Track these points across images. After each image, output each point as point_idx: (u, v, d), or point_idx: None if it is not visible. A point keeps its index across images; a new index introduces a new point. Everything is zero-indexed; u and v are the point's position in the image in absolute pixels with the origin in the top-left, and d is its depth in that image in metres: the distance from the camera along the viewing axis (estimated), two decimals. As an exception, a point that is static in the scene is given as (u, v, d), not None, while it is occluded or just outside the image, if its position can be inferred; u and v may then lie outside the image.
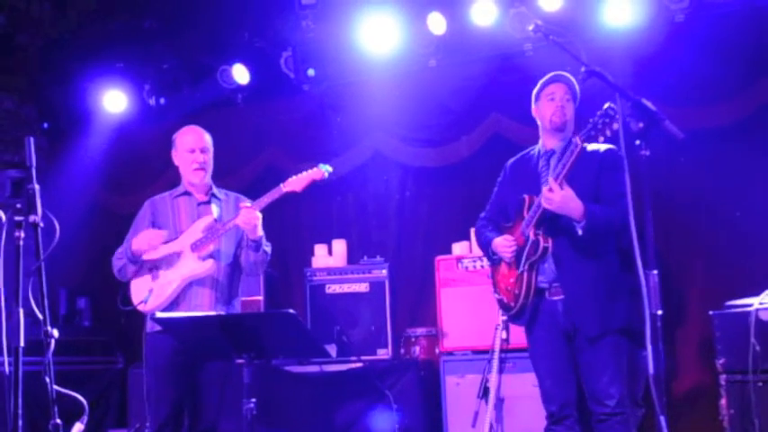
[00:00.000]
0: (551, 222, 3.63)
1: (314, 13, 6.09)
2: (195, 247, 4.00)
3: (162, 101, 6.64)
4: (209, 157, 4.23)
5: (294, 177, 4.06)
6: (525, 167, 3.91)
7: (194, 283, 4.01)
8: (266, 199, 4.00)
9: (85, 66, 6.78)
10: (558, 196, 3.48)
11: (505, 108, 5.84)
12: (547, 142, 3.85)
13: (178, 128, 6.54)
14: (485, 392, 4.68)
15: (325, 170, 4.10)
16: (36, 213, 3.02)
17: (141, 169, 6.76)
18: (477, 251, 5.46)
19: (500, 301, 3.88)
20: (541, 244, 3.61)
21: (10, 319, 3.05)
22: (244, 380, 3.51)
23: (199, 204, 4.18)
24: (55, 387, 2.92)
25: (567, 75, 3.81)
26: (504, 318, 4.73)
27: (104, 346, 6.53)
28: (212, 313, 3.85)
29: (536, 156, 3.89)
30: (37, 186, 3.05)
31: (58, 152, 7.01)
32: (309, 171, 4.08)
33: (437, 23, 5.86)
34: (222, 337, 3.48)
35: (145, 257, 4.06)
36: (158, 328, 3.96)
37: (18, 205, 3.06)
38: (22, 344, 2.94)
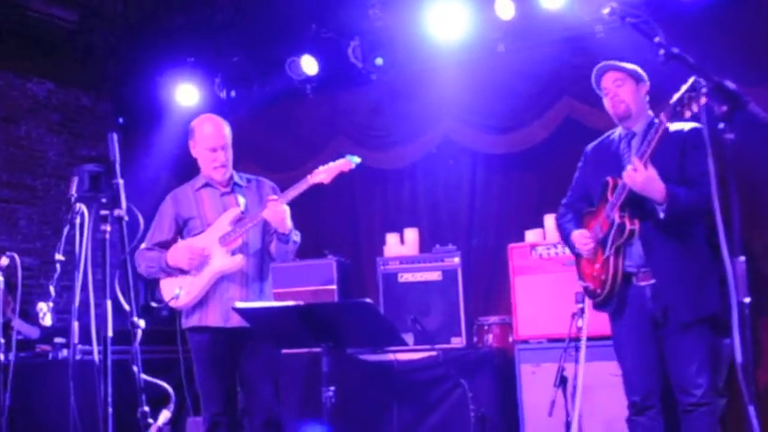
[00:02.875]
0: (637, 204, 3.52)
1: (381, 2, 6.07)
2: (224, 240, 3.94)
3: (233, 93, 6.71)
4: (230, 152, 4.09)
5: (322, 168, 3.97)
6: (606, 151, 3.82)
7: (224, 277, 3.96)
8: (293, 192, 3.90)
9: (158, 60, 6.90)
10: (642, 176, 3.38)
11: (577, 91, 5.73)
12: (626, 125, 3.76)
13: (249, 120, 6.67)
14: (561, 381, 4.60)
15: (352, 161, 3.99)
16: (120, 207, 3.08)
17: (213, 162, 6.85)
18: (551, 238, 5.40)
19: (586, 289, 3.80)
20: (627, 227, 3.52)
21: (98, 308, 3.13)
22: (323, 369, 3.50)
23: (222, 195, 4.09)
24: (142, 376, 2.98)
25: (612, 62, 3.71)
26: (581, 306, 4.68)
27: (182, 335, 6.65)
28: (291, 303, 3.87)
29: (617, 139, 3.80)
30: (121, 181, 3.10)
31: (133, 146, 7.15)
32: (337, 162, 3.98)
33: (505, 8, 5.77)
34: (300, 326, 3.50)
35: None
36: (194, 323, 4.00)
37: (103, 199, 3.11)
38: (110, 334, 3.02)
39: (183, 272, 4.01)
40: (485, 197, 6.31)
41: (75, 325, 3.56)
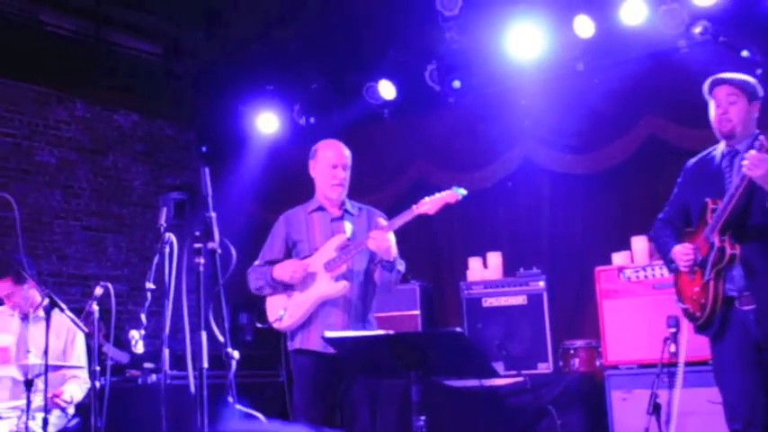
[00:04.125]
0: (739, 227, 3.40)
1: (457, 25, 6.07)
2: (329, 266, 3.96)
3: (312, 120, 6.79)
4: (348, 174, 4.14)
5: (428, 199, 3.90)
6: (707, 168, 3.68)
7: (327, 302, 3.97)
8: (398, 221, 3.87)
9: (238, 89, 7.04)
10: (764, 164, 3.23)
11: (660, 109, 5.61)
12: (729, 143, 3.64)
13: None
14: (655, 408, 4.47)
15: (459, 193, 3.89)
16: (214, 240, 3.12)
17: (294, 188, 6.91)
18: (639, 260, 5.26)
19: (685, 311, 3.67)
20: (728, 251, 3.39)
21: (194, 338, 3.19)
22: (412, 398, 3.46)
23: (332, 220, 4.10)
24: (237, 407, 3.01)
25: (731, 75, 3.59)
26: (673, 330, 4.53)
27: (266, 359, 6.72)
28: (380, 332, 3.85)
29: (719, 156, 3.67)
30: (213, 214, 3.15)
31: (216, 174, 7.20)
32: (443, 193, 3.90)
33: (584, 26, 5.71)
34: (390, 355, 3.47)
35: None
36: (297, 346, 4.00)
37: (197, 233, 3.17)
38: (205, 365, 3.06)
39: (287, 288, 4.05)
40: (566, 219, 6.20)
41: (166, 352, 3.61)
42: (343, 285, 3.95)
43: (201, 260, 3.16)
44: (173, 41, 7.49)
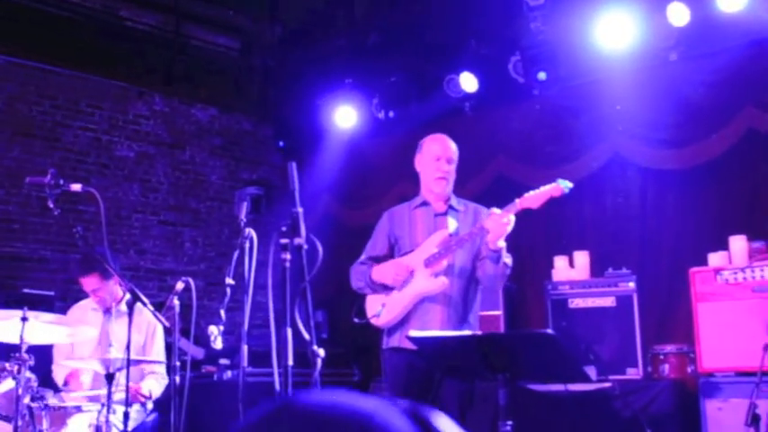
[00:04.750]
0: None
1: (543, 14, 5.85)
2: (428, 262, 3.85)
3: (391, 114, 6.66)
4: (454, 168, 4.05)
5: (531, 193, 3.76)
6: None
7: (426, 299, 3.86)
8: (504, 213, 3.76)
9: (316, 83, 6.97)
10: None
11: (761, 100, 5.29)
12: None
13: (407, 140, 6.57)
14: (754, 420, 4.19)
15: (564, 186, 3.76)
16: (300, 236, 3.04)
17: (372, 183, 6.83)
18: (737, 262, 4.95)
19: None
20: None
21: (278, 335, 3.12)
22: (499, 401, 3.34)
23: (436, 216, 4.01)
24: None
25: None
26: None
27: (341, 358, 6.63)
28: (468, 332, 3.69)
29: None
30: (300, 209, 3.07)
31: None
32: (548, 187, 3.76)
33: (678, 14, 5.43)
34: (477, 357, 3.33)
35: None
36: (394, 344, 3.89)
37: (283, 228, 3.10)
38: (290, 363, 2.99)
39: (386, 289, 3.96)
40: (658, 217, 5.90)
41: (245, 348, 3.57)
42: (441, 282, 3.83)
43: (288, 256, 3.12)
44: (250, 35, 7.46)
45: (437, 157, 3.99)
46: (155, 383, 4.62)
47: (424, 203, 4.06)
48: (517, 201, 3.75)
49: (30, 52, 6.80)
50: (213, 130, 7.90)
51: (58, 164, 6.72)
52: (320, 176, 7.06)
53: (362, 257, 4.10)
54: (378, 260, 4.07)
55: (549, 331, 3.16)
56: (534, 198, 3.74)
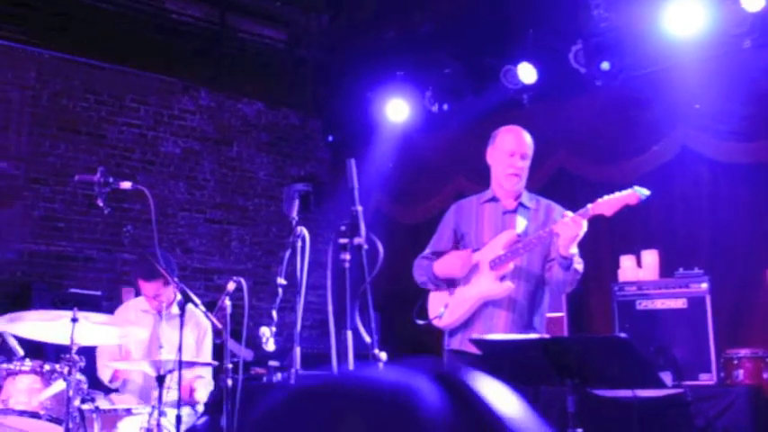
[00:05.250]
0: None
1: (606, 1, 5.60)
2: (494, 264, 3.66)
3: (445, 107, 6.45)
4: (527, 164, 3.84)
5: (605, 198, 3.52)
6: None
7: (490, 303, 3.69)
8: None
9: (366, 76, 6.78)
10: None
11: (844, 90, 4.96)
12: None
13: (462, 134, 6.37)
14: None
15: (641, 194, 3.49)
16: (360, 235, 2.90)
17: (426, 179, 6.62)
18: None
19: None
20: None
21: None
22: (568, 408, 3.21)
23: (504, 213, 3.81)
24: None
25: None
26: None
27: (393, 362, 6.43)
28: (535, 336, 3.48)
29: None
30: (360, 208, 2.94)
31: (341, 165, 7.03)
32: (623, 193, 3.51)
33: (752, -1, 5.14)
34: (545, 361, 3.16)
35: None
36: (455, 346, 3.74)
37: (342, 227, 2.96)
38: (351, 366, 2.87)
39: (450, 285, 3.80)
40: (731, 214, 5.59)
41: (297, 350, 3.48)
42: (507, 286, 3.65)
43: (347, 256, 3.00)
44: (298, 27, 7.28)
45: (511, 153, 3.78)
46: (201, 388, 4.56)
47: (494, 199, 3.85)
48: (589, 206, 3.53)
49: (73, 48, 6.71)
50: (260, 125, 7.73)
51: (103, 161, 6.62)
52: (371, 172, 6.83)
53: (426, 251, 3.92)
54: (442, 255, 3.89)
55: (623, 335, 2.94)
56: (608, 204, 3.50)
